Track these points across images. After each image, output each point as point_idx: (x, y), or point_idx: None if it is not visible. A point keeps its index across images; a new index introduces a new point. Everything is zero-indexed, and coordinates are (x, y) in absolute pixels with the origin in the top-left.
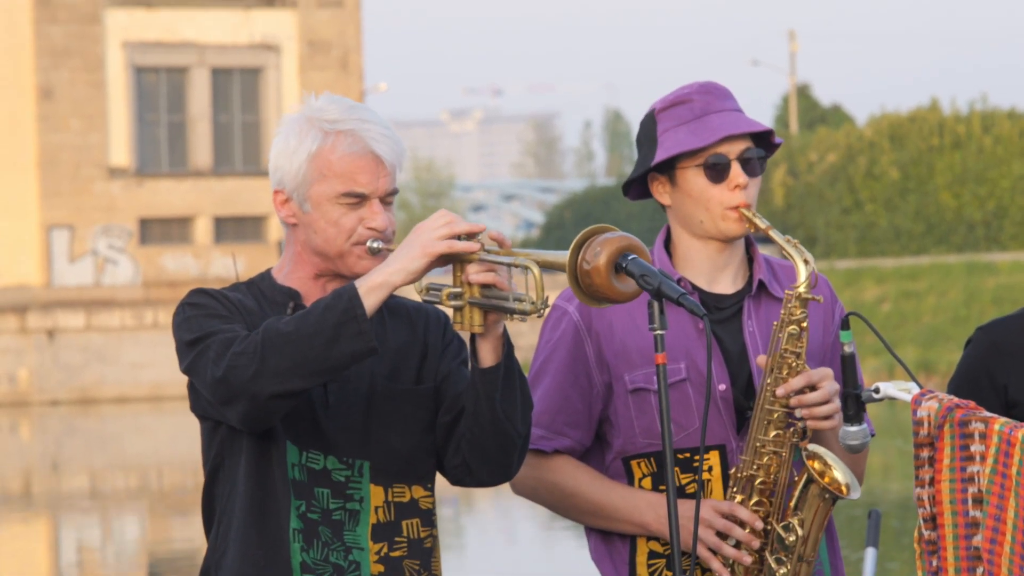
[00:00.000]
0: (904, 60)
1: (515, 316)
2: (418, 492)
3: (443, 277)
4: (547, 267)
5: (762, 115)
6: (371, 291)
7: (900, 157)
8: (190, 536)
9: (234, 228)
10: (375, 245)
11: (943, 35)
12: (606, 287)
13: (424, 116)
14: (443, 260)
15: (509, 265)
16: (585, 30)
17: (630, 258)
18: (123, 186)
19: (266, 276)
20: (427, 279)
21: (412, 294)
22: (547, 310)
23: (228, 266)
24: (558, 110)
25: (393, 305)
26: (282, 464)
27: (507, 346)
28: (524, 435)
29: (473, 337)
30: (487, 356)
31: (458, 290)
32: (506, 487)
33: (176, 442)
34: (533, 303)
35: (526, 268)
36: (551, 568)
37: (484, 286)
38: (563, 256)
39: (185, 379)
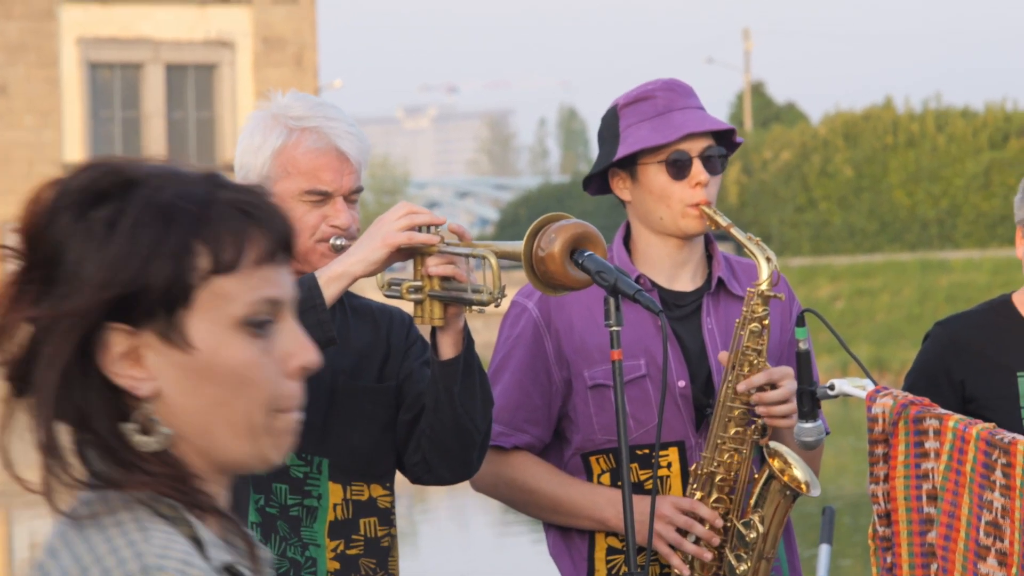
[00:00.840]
0: (858, 59)
1: (473, 307)
2: (376, 491)
3: (405, 273)
4: (504, 257)
5: (717, 113)
6: (331, 281)
7: (854, 155)
8: None
9: None
10: (338, 243)
11: (897, 34)
12: (561, 274)
13: (379, 113)
14: (403, 253)
15: (467, 256)
16: (540, 27)
17: (586, 255)
18: None
19: None
20: (388, 274)
21: (374, 292)
22: (504, 299)
23: None
24: (513, 107)
25: (357, 306)
26: None
27: (467, 340)
28: (484, 432)
29: (434, 331)
30: (447, 349)
31: (418, 283)
32: (463, 484)
33: None
34: (491, 293)
35: (483, 258)
36: (506, 564)
37: (444, 279)
38: (520, 245)
39: None
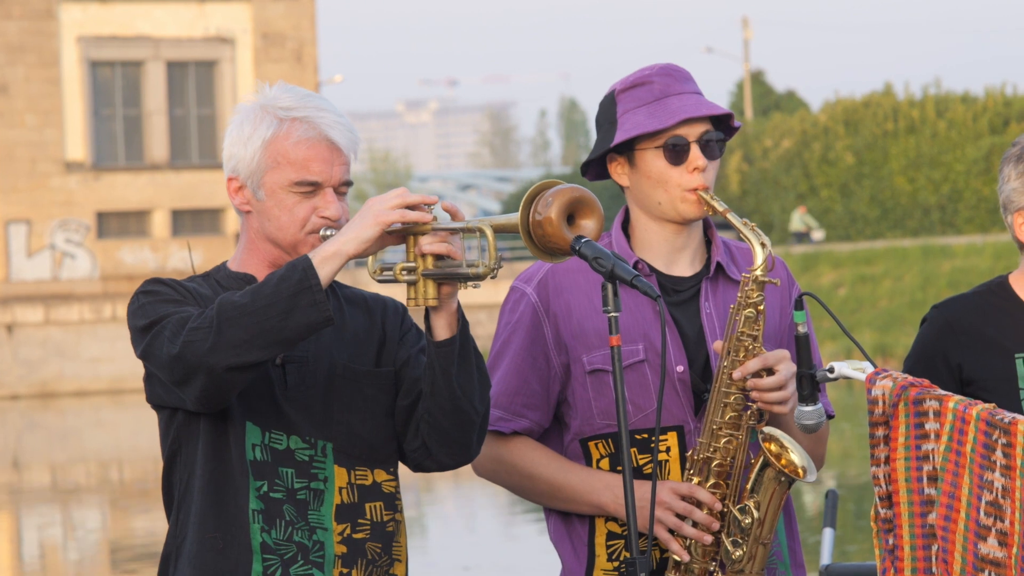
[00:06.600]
0: (858, 46)
1: (470, 283)
2: (380, 476)
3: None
4: (500, 230)
5: (717, 101)
6: (325, 261)
7: (855, 142)
8: (152, 528)
9: (191, 221)
10: (328, 233)
11: (896, 20)
12: (559, 237)
13: (380, 107)
14: (397, 236)
15: (462, 231)
16: (539, 20)
17: (583, 241)
18: (80, 180)
19: (221, 267)
20: (380, 261)
21: (367, 283)
22: (500, 270)
23: (186, 259)
24: (513, 99)
25: (350, 295)
26: (240, 445)
27: (462, 321)
28: (482, 414)
29: (428, 314)
30: (442, 330)
31: (411, 264)
32: (467, 471)
33: (136, 435)
34: (487, 265)
35: (480, 231)
36: (513, 552)
37: (438, 257)
38: (514, 217)
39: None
